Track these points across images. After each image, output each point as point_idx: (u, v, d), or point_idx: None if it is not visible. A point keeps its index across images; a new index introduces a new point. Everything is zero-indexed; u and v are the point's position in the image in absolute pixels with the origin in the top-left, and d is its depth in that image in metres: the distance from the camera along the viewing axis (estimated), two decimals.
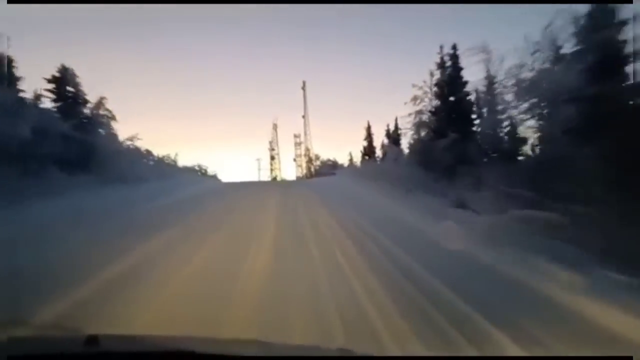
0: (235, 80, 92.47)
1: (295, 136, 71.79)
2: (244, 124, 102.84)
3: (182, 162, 42.78)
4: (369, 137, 45.19)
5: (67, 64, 20.28)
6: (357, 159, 48.57)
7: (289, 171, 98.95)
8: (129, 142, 28.87)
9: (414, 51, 72.80)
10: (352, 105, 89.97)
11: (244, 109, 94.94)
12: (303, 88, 66.25)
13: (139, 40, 73.57)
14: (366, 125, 45.93)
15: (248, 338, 2.31)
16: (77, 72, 20.17)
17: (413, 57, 72.11)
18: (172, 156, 37.16)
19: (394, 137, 39.37)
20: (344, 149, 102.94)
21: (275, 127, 77.04)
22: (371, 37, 70.21)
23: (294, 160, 71.45)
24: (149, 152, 31.78)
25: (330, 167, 44.20)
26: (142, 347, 1.53)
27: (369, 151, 43.19)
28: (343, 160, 47.35)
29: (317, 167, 46.97)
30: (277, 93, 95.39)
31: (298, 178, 56.59)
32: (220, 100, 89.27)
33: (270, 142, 77.70)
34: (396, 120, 40.17)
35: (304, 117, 68.65)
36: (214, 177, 45.67)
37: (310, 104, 64.30)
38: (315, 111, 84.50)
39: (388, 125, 40.21)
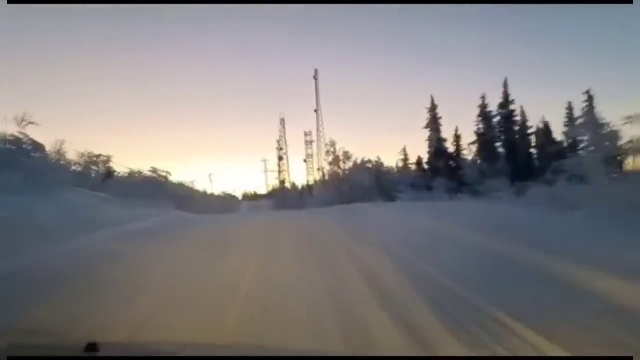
0: (235, 75, 78.06)
1: (306, 134, 57.10)
2: (249, 123, 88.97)
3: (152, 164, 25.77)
4: (434, 122, 27.35)
5: None
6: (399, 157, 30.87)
7: (299, 174, 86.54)
8: None
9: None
10: (377, 97, 72.53)
11: (248, 107, 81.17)
12: (315, 77, 52.72)
13: (133, 37, 60.41)
14: (429, 105, 28.20)
15: (248, 343, 2.25)
16: None
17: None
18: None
19: (504, 114, 21.19)
20: (370, 149, 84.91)
21: (282, 122, 62.41)
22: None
23: (304, 161, 57.11)
24: (36, 145, 15.49)
25: (371, 174, 26.66)
26: (141, 352, 1.52)
27: (438, 146, 25.32)
28: (388, 161, 29.89)
29: (347, 172, 29.55)
30: (284, 87, 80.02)
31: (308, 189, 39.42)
32: (220, 98, 76.33)
33: (278, 141, 63.28)
34: (505, 82, 22.03)
35: (316, 111, 54.76)
36: (181, 189, 28.58)
37: (323, 98, 51.34)
38: (330, 108, 68.85)
39: (483, 99, 22.25)
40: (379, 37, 63.02)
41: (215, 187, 75.44)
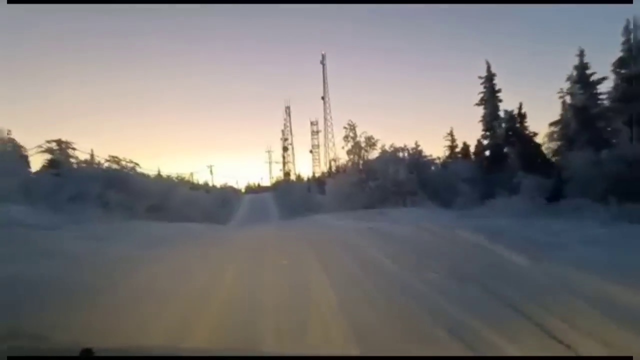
0: (237, 63, 72.15)
1: (312, 123, 54.78)
2: (254, 114, 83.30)
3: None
4: (493, 97, 20.18)
5: None
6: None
7: (305, 165, 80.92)
8: None
9: None
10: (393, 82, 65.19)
11: (253, 97, 75.75)
12: (322, 62, 50.46)
13: (131, 24, 56.13)
14: (483, 74, 20.94)
15: (242, 347, 2.16)
16: None
17: None
18: None
19: (627, 76, 13.96)
20: (392, 139, 77.33)
21: (287, 110, 58.57)
22: None
23: (311, 152, 53.89)
24: None
25: (408, 166, 19.66)
26: (138, 355, 1.55)
27: (511, 127, 18.10)
28: (431, 149, 22.48)
29: (372, 163, 22.61)
30: (289, 75, 74.29)
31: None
32: (223, 88, 71.06)
33: (283, 131, 59.81)
34: (628, 26, 14.40)
35: (324, 98, 52.11)
36: None
37: (332, 84, 47.22)
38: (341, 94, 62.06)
39: (581, 56, 14.93)
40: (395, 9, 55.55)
41: (219, 179, 70.21)
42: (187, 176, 44.05)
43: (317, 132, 55.51)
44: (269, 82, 79.48)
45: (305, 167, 78.54)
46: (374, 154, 23.30)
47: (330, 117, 52.40)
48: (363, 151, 23.64)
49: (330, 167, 52.23)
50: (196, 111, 79.74)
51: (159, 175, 25.43)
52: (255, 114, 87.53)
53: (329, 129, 52.76)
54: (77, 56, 62.33)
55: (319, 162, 56.81)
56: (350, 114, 72.83)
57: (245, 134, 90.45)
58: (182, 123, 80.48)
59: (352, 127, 24.34)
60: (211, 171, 50.64)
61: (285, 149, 61.53)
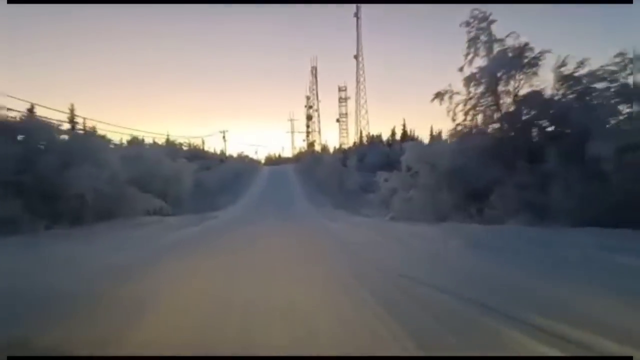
0: (260, 26, 61.48)
1: (341, 89, 45.49)
2: (276, 82, 72.92)
3: None
4: None
5: None
6: None
7: (330, 136, 70.94)
8: None
9: None
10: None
11: (276, 64, 65.37)
12: (356, 15, 41.96)
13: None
14: None
15: (240, 356, 2.24)
16: None
17: None
18: None
19: None
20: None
21: (314, 72, 48.30)
22: None
23: (338, 120, 46.81)
24: None
25: None
26: (133, 355, 1.66)
27: None
28: None
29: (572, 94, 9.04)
30: (316, 34, 64.00)
31: None
32: (244, 53, 60.75)
33: (308, 98, 50.51)
34: None
35: (357, 57, 42.52)
36: None
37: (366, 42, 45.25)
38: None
39: None
40: None
41: (238, 148, 60.82)
42: (197, 143, 36.92)
43: (346, 99, 46.10)
44: (293, 49, 68.81)
45: (330, 138, 68.71)
46: (534, 84, 9.66)
47: (364, 80, 42.69)
48: (509, 79, 9.94)
49: (360, 137, 43.44)
50: (215, 77, 70.56)
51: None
52: (278, 82, 77.06)
53: (362, 93, 43.35)
54: (85, 20, 54.18)
55: (347, 132, 47.51)
56: (382, 87, 58.88)
57: (266, 102, 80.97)
58: (200, 89, 71.35)
59: (483, 23, 10.30)
60: (224, 137, 38.65)
61: (309, 117, 51.77)
